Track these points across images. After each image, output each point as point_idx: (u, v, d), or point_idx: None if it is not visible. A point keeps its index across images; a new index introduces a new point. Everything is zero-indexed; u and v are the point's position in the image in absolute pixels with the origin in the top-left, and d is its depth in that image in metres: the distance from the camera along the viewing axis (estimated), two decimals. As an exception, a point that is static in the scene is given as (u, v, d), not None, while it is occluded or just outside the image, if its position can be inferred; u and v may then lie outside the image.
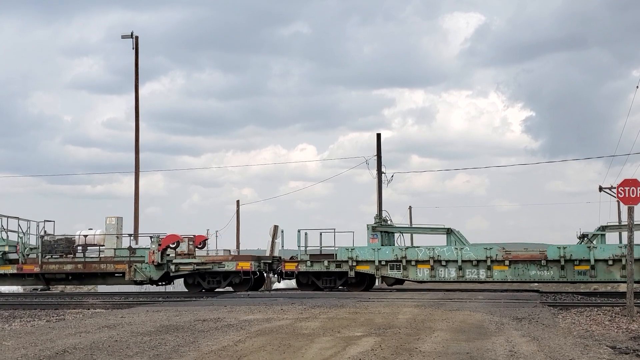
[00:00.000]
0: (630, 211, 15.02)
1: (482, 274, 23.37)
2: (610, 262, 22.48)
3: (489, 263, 23.22)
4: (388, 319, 13.14)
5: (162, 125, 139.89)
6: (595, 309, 16.05)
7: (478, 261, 23.34)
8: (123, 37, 34.78)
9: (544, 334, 11.29)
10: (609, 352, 9.71)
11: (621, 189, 15.25)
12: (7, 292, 27.45)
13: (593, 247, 22.73)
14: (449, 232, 24.53)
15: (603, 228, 23.78)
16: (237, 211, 49.61)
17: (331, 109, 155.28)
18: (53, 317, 16.08)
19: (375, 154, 36.83)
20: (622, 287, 22.88)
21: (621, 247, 22.30)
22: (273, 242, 28.42)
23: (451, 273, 23.54)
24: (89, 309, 18.08)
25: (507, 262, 23.13)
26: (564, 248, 22.85)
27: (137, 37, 34.70)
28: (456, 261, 23.41)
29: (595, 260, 22.53)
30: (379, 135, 37.53)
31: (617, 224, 24.03)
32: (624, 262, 21.53)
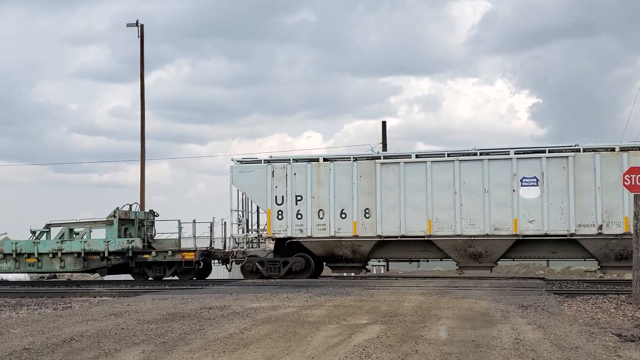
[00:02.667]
0: (637, 199, 14.98)
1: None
2: (51, 255, 25.54)
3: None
4: (394, 307, 13.16)
5: (167, 113, 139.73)
6: (601, 297, 16.03)
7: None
8: (128, 25, 34.76)
9: (550, 322, 11.29)
10: (615, 340, 9.71)
11: (627, 177, 15.22)
12: (13, 279, 27.64)
13: (38, 242, 25.75)
14: None
15: (48, 226, 26.39)
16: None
17: (337, 97, 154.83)
18: (60, 305, 16.16)
19: (381, 141, 36.84)
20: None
21: (58, 242, 25.53)
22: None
23: None
24: (95, 297, 18.15)
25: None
26: (16, 243, 25.82)
27: (142, 26, 34.67)
28: None
29: (40, 254, 25.66)
30: (384, 123, 37.54)
31: (62, 221, 26.98)
32: (59, 255, 25.36)
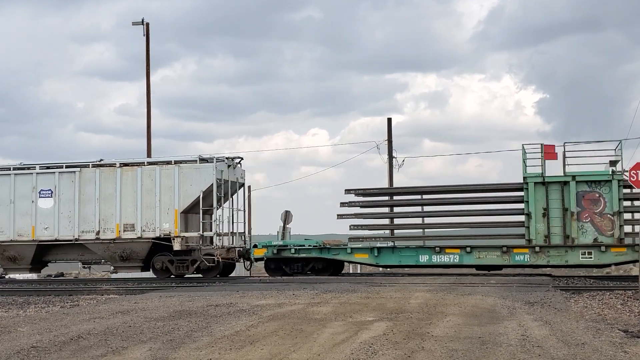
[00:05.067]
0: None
1: None
2: None
3: None
4: (400, 304, 13.17)
5: (174, 111, 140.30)
6: (608, 293, 16.02)
7: None
8: (134, 23, 34.77)
9: (556, 318, 11.29)
10: (621, 336, 9.70)
11: (633, 173, 15.19)
12: (21, 278, 27.74)
13: None
14: None
15: None
16: (249, 197, 49.59)
17: (343, 94, 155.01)
18: (67, 303, 16.23)
19: (387, 138, 36.82)
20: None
21: None
22: (284, 228, 28.42)
23: None
24: (102, 295, 18.22)
25: None
26: None
27: (147, 24, 34.68)
28: None
29: None
30: (389, 120, 37.53)
31: None
32: None
